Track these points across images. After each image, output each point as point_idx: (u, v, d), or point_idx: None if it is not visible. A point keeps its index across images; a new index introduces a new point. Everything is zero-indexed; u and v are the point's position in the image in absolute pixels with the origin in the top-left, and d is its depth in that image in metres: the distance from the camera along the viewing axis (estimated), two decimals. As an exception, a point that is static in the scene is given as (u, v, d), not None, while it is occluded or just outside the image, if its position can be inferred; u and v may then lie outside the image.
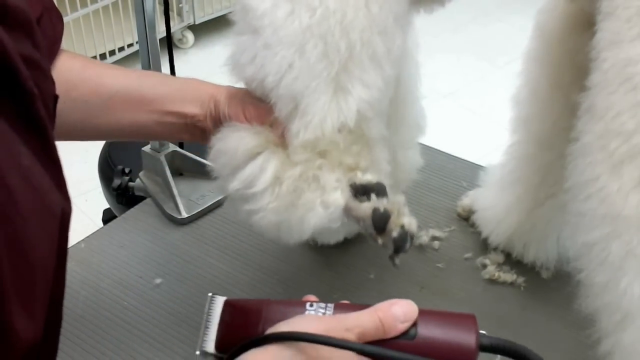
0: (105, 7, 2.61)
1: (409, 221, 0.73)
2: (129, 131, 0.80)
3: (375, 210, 0.72)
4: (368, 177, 0.75)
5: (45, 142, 0.53)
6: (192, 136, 0.80)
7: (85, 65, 0.77)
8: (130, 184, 1.17)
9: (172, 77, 0.84)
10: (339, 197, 0.74)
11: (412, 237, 0.73)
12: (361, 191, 0.73)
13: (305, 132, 0.72)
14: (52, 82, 0.60)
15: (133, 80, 0.79)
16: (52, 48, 0.71)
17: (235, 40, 0.75)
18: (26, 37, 0.54)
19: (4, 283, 0.45)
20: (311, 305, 0.62)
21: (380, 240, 0.73)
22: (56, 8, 0.72)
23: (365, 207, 0.73)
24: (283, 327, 0.57)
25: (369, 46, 0.71)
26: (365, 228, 0.74)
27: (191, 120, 0.78)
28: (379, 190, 0.73)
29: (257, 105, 0.75)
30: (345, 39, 0.70)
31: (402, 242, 0.72)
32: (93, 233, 1.06)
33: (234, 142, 0.75)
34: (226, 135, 0.76)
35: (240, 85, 0.77)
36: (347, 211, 0.74)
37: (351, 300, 0.93)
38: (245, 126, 0.75)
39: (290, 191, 0.73)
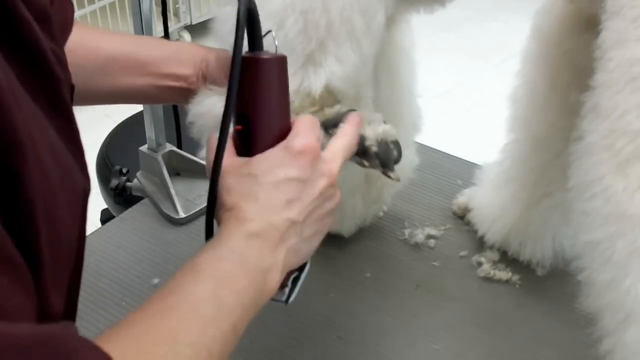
0: (103, 8, 2.61)
1: (383, 130, 0.71)
2: (127, 95, 0.81)
3: None
4: (336, 108, 0.73)
5: (69, 126, 0.55)
6: (184, 99, 0.80)
7: (81, 31, 0.78)
8: (128, 184, 1.17)
9: (167, 41, 0.86)
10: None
11: (395, 144, 0.71)
12: (331, 125, 0.70)
13: None
14: (69, 72, 0.61)
15: (129, 45, 0.81)
16: (64, 33, 0.73)
17: (217, 11, 0.76)
18: (47, 29, 0.56)
19: (42, 256, 0.46)
20: None
21: (366, 164, 0.71)
22: None
23: None
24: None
25: (348, 23, 0.70)
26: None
27: (185, 83, 0.79)
28: (338, 119, 0.71)
29: None
30: (325, 16, 0.69)
31: (385, 154, 0.70)
32: (91, 233, 1.06)
33: (207, 106, 0.74)
34: (202, 99, 0.75)
35: None
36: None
37: (348, 299, 0.95)
38: (221, 90, 0.74)
39: None
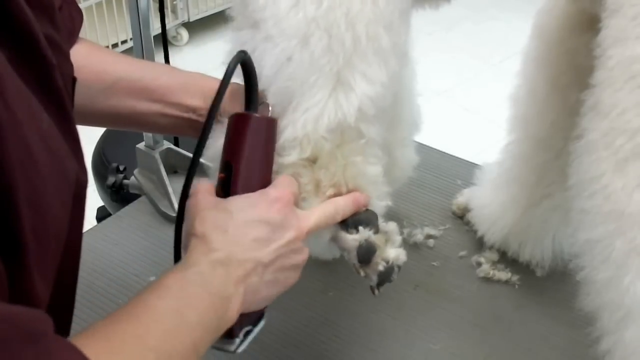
0: (99, 4, 2.60)
1: (396, 254, 0.72)
2: (129, 119, 0.80)
3: (361, 245, 0.70)
4: None
5: (62, 112, 0.55)
6: (194, 131, 0.80)
7: (90, 50, 0.78)
8: (125, 181, 1.16)
9: (177, 69, 0.85)
10: (325, 233, 0.71)
11: (399, 269, 0.72)
12: (351, 223, 0.71)
13: (294, 128, 0.70)
14: (71, 65, 0.61)
15: (137, 69, 0.80)
16: (70, 40, 0.72)
17: (234, 36, 0.74)
18: (47, 19, 0.56)
19: (25, 240, 0.46)
20: None
21: (362, 273, 0.71)
22: (75, 2, 0.73)
23: (352, 240, 0.71)
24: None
25: (374, 40, 0.69)
26: (348, 258, 0.72)
27: (193, 114, 0.78)
28: (368, 221, 0.72)
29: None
30: (351, 31, 0.68)
31: (386, 277, 0.71)
32: (87, 231, 1.05)
33: (219, 149, 0.72)
34: (214, 141, 0.73)
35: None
36: (333, 240, 0.72)
37: (347, 299, 0.94)
38: None
39: None
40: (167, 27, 2.65)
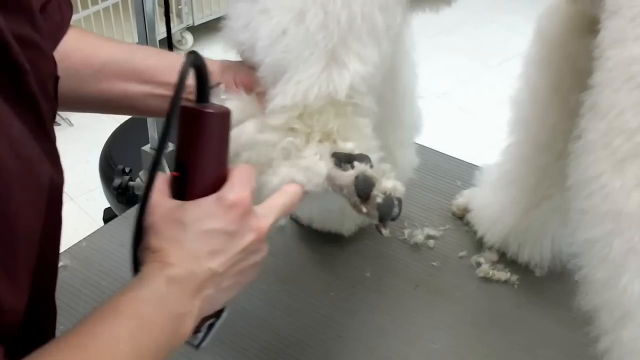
0: (106, 9, 2.61)
1: (394, 185, 0.71)
2: (120, 103, 0.80)
3: (358, 177, 0.70)
4: (350, 146, 0.73)
5: (36, 117, 0.55)
6: None
7: (79, 36, 0.78)
8: (131, 183, 1.18)
9: (165, 51, 0.84)
10: (322, 166, 0.71)
11: (399, 202, 0.71)
12: (344, 159, 0.71)
13: (284, 97, 0.70)
14: (53, 63, 0.61)
15: (126, 52, 0.80)
16: (58, 32, 0.73)
17: (231, 9, 0.75)
18: (25, 20, 0.56)
19: None
20: None
21: (364, 209, 0.70)
22: None
23: (348, 175, 0.70)
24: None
25: (369, 20, 0.70)
26: (348, 196, 0.71)
27: (183, 92, 0.78)
28: (362, 158, 0.72)
29: (248, 73, 0.76)
30: (346, 9, 0.69)
31: (387, 209, 0.70)
32: (94, 232, 1.07)
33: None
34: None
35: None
36: (329, 180, 0.72)
37: (348, 298, 0.95)
38: (232, 95, 0.75)
39: (266, 158, 0.72)
40: (172, 31, 2.66)
